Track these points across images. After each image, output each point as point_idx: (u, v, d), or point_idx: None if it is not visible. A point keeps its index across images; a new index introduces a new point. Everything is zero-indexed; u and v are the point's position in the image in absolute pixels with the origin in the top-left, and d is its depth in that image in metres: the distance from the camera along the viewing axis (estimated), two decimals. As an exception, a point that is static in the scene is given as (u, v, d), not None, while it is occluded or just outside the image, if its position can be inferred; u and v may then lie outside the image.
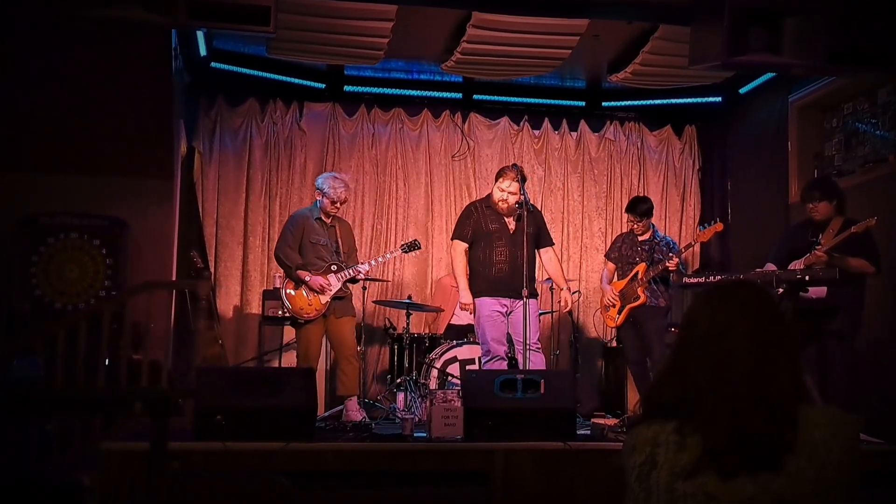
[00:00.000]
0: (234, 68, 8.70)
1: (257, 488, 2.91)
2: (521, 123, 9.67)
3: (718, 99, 9.42)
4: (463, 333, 8.05)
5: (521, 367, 6.36)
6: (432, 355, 7.69)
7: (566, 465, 4.95)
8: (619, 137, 9.83)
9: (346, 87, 9.32)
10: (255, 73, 8.82)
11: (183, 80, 8.22)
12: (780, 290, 5.99)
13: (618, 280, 7.38)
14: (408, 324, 7.90)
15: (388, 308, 8.82)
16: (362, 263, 7.20)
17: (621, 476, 1.97)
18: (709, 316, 1.95)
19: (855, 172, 7.68)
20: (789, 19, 5.55)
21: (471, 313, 6.90)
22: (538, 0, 6.88)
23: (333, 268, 6.98)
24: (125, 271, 7.46)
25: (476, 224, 6.67)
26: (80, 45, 6.51)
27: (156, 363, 6.63)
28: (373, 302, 8.59)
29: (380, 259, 7.89)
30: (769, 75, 8.45)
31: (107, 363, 6.20)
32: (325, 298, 6.89)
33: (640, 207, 7.36)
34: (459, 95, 9.54)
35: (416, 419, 6.11)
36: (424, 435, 5.37)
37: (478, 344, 7.60)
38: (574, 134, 9.77)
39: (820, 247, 6.02)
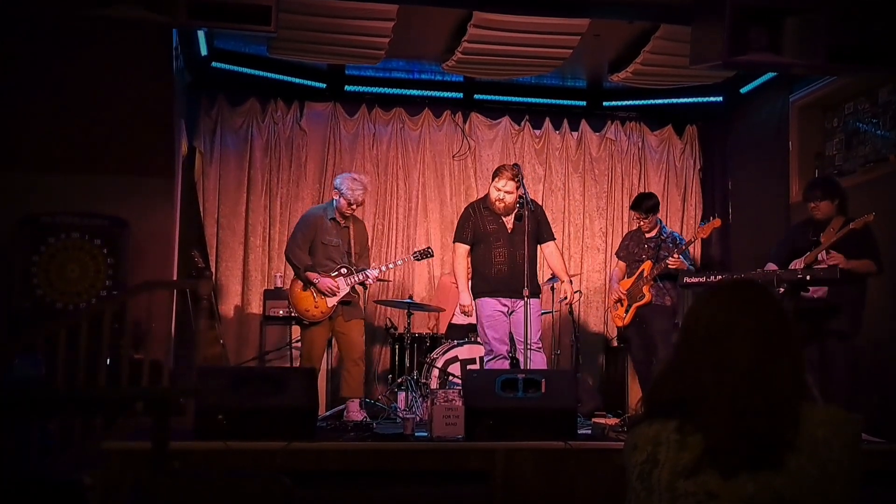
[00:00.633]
0: (235, 68, 8.70)
1: (258, 488, 2.91)
2: (522, 123, 9.67)
3: (719, 99, 9.41)
4: (464, 333, 8.05)
5: (522, 367, 6.36)
6: (433, 355, 7.69)
7: (567, 464, 4.96)
8: (619, 137, 9.83)
9: (347, 87, 9.31)
10: (256, 72, 8.82)
11: (184, 79, 8.22)
12: (781, 289, 5.99)
13: (626, 279, 7.40)
14: (409, 323, 7.89)
15: (389, 308, 8.82)
16: (372, 268, 7.18)
17: (622, 475, 1.97)
18: (710, 315, 1.96)
19: (856, 172, 7.68)
20: (790, 19, 5.55)
21: (468, 315, 6.90)
22: (539, 0, 6.88)
23: (343, 271, 6.97)
24: (126, 271, 7.46)
25: (475, 225, 6.68)
26: (80, 45, 6.51)
27: (157, 363, 6.63)
28: (374, 301, 8.59)
29: (390, 265, 7.83)
30: (770, 75, 8.44)
31: (108, 363, 6.21)
32: (332, 302, 6.89)
33: (644, 204, 7.38)
34: (460, 95, 9.54)
35: (418, 419, 6.11)
36: (425, 434, 5.38)
37: (479, 343, 7.61)
38: (575, 134, 9.77)
39: (831, 256, 5.97)
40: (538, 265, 7.02)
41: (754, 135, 9.03)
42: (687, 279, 6.63)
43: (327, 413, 7.38)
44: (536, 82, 9.23)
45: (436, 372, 7.51)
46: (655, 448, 1.87)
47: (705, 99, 9.42)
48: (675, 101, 9.46)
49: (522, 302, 6.41)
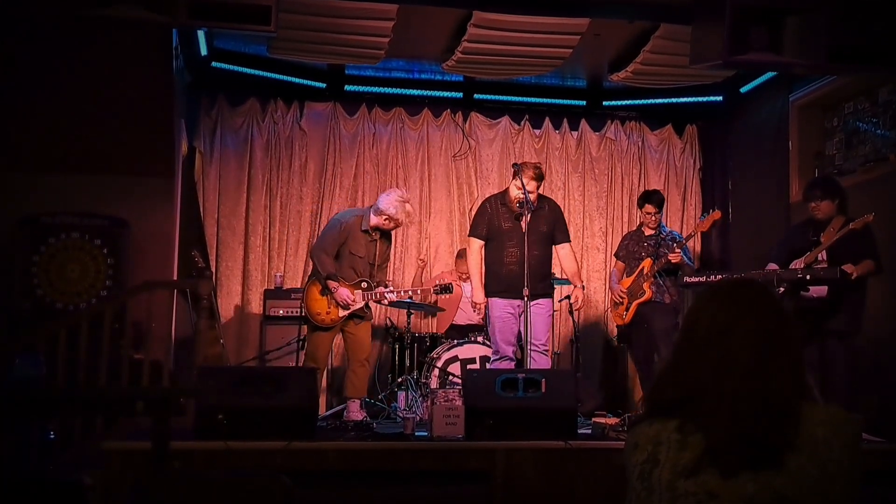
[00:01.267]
0: (235, 68, 8.70)
1: (259, 488, 2.91)
2: (522, 123, 9.67)
3: (719, 98, 9.41)
4: (464, 333, 8.05)
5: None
6: (433, 354, 7.69)
7: (567, 464, 4.96)
8: (619, 137, 9.83)
9: (347, 87, 9.31)
10: (256, 72, 8.83)
11: (184, 79, 8.23)
12: (781, 289, 6.00)
13: (626, 278, 7.40)
14: (408, 323, 7.89)
15: (389, 307, 8.82)
16: (389, 290, 7.13)
17: (622, 475, 1.97)
18: (711, 315, 1.96)
19: (855, 171, 7.68)
20: (790, 18, 5.55)
21: (478, 312, 6.88)
22: (539, 0, 6.88)
23: (364, 285, 6.94)
24: (126, 271, 7.47)
25: (490, 221, 6.63)
26: (80, 45, 6.51)
27: (157, 363, 6.62)
28: (373, 301, 8.58)
29: (409, 292, 7.56)
30: (770, 74, 8.45)
31: (108, 363, 6.21)
32: (343, 312, 6.88)
33: (656, 197, 7.46)
34: (460, 95, 9.54)
35: (418, 418, 6.11)
36: (426, 434, 5.38)
37: (478, 343, 7.63)
38: (575, 133, 9.77)
39: (847, 266, 5.94)
40: (552, 266, 6.96)
41: (754, 134, 9.03)
42: (687, 279, 6.64)
43: (327, 412, 7.38)
44: (536, 82, 9.23)
45: (436, 371, 7.51)
46: (656, 448, 1.87)
47: (705, 98, 9.42)
48: (675, 100, 9.46)
49: (534, 302, 6.42)
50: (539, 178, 6.56)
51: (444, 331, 8.47)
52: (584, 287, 6.92)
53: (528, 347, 6.35)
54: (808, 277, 5.98)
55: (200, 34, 7.84)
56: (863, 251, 6.02)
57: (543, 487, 4.90)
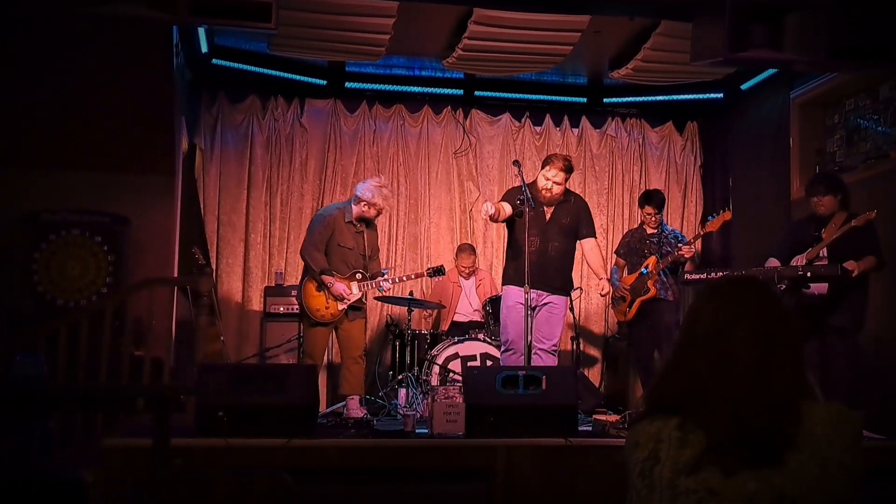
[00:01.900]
0: (236, 65, 8.70)
1: (259, 485, 2.91)
2: (523, 120, 9.67)
3: (720, 95, 9.41)
4: (465, 330, 8.05)
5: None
6: (434, 352, 7.69)
7: (568, 461, 4.96)
8: (620, 134, 9.83)
9: (348, 84, 9.32)
10: (257, 69, 8.83)
11: (184, 76, 8.22)
12: (782, 286, 6.00)
13: (627, 275, 7.40)
14: (409, 320, 7.89)
15: (389, 305, 8.82)
16: (385, 279, 7.14)
17: (623, 472, 1.97)
18: (711, 312, 1.96)
19: (856, 168, 7.67)
20: (790, 15, 5.53)
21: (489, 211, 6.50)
22: (540, -4, 6.88)
23: (358, 276, 6.94)
24: (127, 268, 7.47)
25: (519, 204, 6.47)
26: (81, 42, 6.51)
27: (157, 360, 6.63)
28: (374, 298, 8.58)
29: (403, 278, 7.78)
30: (771, 71, 8.45)
31: (108, 360, 6.21)
32: (342, 305, 6.88)
33: (657, 198, 7.43)
34: (461, 92, 9.54)
35: (418, 416, 6.11)
36: (426, 431, 5.38)
37: (479, 340, 7.62)
38: (575, 130, 9.77)
39: (849, 263, 5.92)
40: (574, 261, 6.93)
41: (755, 131, 9.03)
42: (688, 276, 6.65)
43: (327, 410, 7.38)
44: (537, 79, 9.23)
45: (436, 369, 7.51)
46: (657, 445, 1.87)
47: (706, 95, 9.43)
48: (675, 97, 9.46)
49: (548, 296, 6.44)
50: (568, 170, 6.51)
51: (445, 328, 8.47)
52: (609, 279, 6.88)
53: (530, 339, 6.31)
54: (809, 275, 5.98)
55: (201, 31, 7.84)
56: (864, 247, 6.02)
57: (544, 485, 4.90)
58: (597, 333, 9.54)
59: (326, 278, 6.83)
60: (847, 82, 7.67)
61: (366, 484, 4.84)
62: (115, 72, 6.83)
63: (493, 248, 9.51)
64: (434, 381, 7.41)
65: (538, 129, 9.71)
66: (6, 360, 5.83)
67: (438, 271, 7.59)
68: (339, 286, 6.83)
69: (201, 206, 8.86)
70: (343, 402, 7.11)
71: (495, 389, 5.23)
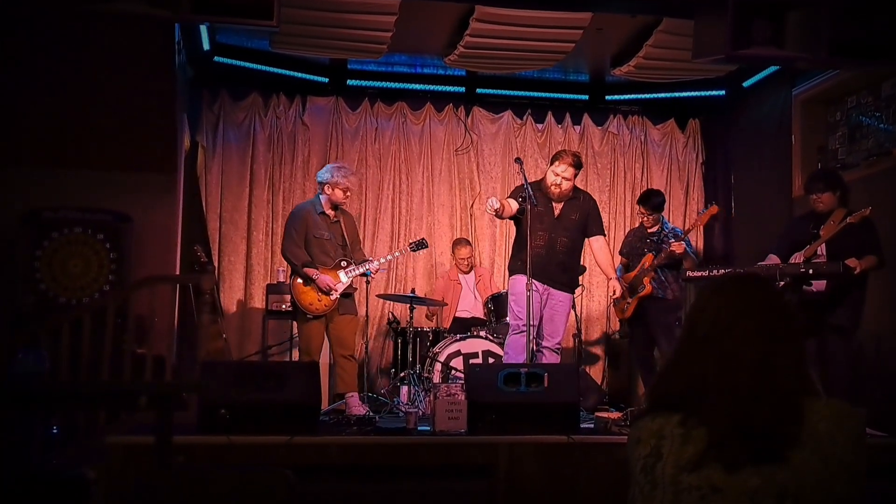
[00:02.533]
0: (238, 62, 8.71)
1: (261, 482, 2.91)
2: (525, 117, 9.67)
3: (722, 92, 9.41)
4: (467, 327, 8.05)
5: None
6: (436, 349, 7.69)
7: (570, 458, 4.96)
8: (622, 131, 9.83)
9: (349, 81, 9.32)
10: (259, 67, 8.83)
11: (186, 74, 8.23)
12: (783, 283, 5.99)
13: (627, 273, 7.41)
14: (411, 318, 7.89)
15: (391, 302, 8.82)
16: (370, 261, 7.13)
17: (624, 469, 1.97)
18: (714, 310, 1.96)
19: (859, 166, 7.66)
20: (792, 12, 5.53)
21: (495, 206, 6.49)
22: (541, -6, 6.88)
23: (343, 264, 6.93)
24: (129, 266, 7.47)
25: (522, 202, 6.46)
26: (83, 40, 6.51)
27: (160, 357, 6.63)
28: (376, 296, 8.58)
29: (388, 257, 7.81)
30: (772, 69, 8.44)
31: (111, 357, 6.22)
32: (334, 295, 6.86)
33: (652, 200, 7.39)
34: (462, 89, 9.54)
35: (420, 413, 6.11)
36: (428, 429, 5.38)
37: (481, 338, 7.63)
38: (577, 128, 9.77)
39: (851, 260, 5.90)
40: (581, 258, 6.95)
41: (757, 128, 9.02)
42: (690, 273, 6.64)
43: (329, 407, 7.38)
44: (539, 76, 9.24)
45: (438, 366, 7.51)
46: (659, 442, 1.87)
47: (708, 93, 9.43)
48: (677, 94, 9.46)
49: (553, 292, 6.46)
50: (577, 165, 6.54)
51: (447, 325, 8.48)
52: (618, 278, 6.90)
53: (528, 336, 6.31)
54: (810, 272, 5.97)
55: (203, 29, 7.84)
56: (864, 245, 6.01)
57: (546, 482, 4.90)
58: (599, 331, 9.54)
59: (310, 271, 6.80)
60: (849, 79, 7.66)
61: (368, 481, 4.84)
62: (117, 70, 6.83)
63: (494, 245, 9.52)
64: (436, 378, 7.41)
65: (540, 126, 9.71)
66: (9, 358, 5.84)
67: (420, 244, 7.56)
68: (324, 278, 6.79)
69: (203, 203, 8.87)
70: (343, 400, 7.10)
71: (497, 387, 5.23)
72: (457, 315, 8.55)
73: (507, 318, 7.02)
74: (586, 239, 6.73)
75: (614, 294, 6.88)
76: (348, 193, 7.02)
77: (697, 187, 9.87)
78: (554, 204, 6.56)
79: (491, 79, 9.33)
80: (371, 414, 6.68)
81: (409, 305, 7.98)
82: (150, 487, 3.02)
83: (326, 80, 9.27)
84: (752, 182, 9.15)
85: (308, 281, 6.84)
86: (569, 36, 7.51)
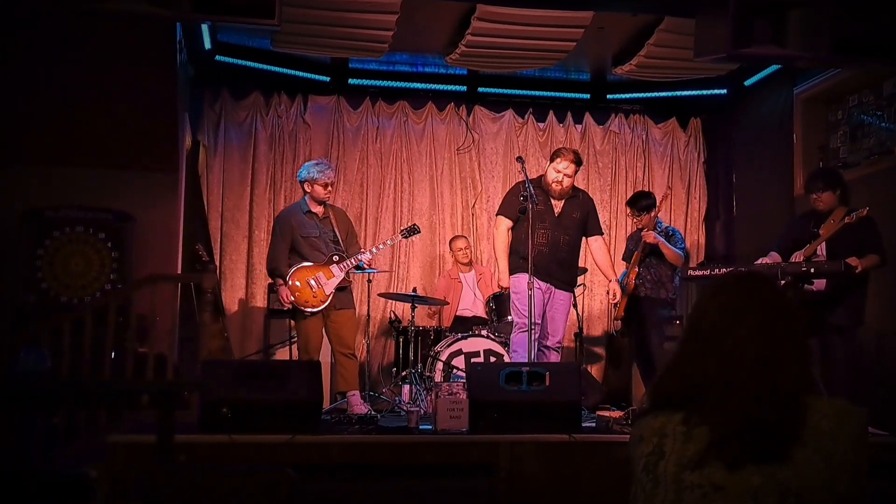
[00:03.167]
0: (239, 61, 8.71)
1: (263, 481, 2.91)
2: (526, 116, 9.67)
3: (723, 91, 9.40)
4: (468, 326, 8.05)
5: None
6: (437, 348, 7.69)
7: (571, 457, 4.96)
8: (623, 130, 9.82)
9: (351, 80, 9.32)
10: (260, 66, 8.83)
11: (187, 73, 8.23)
12: (783, 281, 5.99)
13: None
14: (413, 316, 7.89)
15: (393, 301, 8.82)
16: (363, 252, 7.11)
17: (626, 468, 1.97)
18: (716, 308, 1.96)
19: (860, 164, 7.66)
20: (794, 11, 5.52)
21: (504, 290, 6.72)
22: (542, -8, 6.88)
23: (335, 258, 6.92)
24: (130, 264, 7.48)
25: (523, 201, 6.46)
26: (84, 39, 6.51)
27: (161, 356, 6.64)
28: (378, 295, 8.58)
29: (381, 246, 7.76)
30: (774, 67, 8.43)
31: (112, 356, 6.22)
32: (328, 289, 6.84)
33: (640, 203, 7.28)
34: (464, 88, 9.54)
35: (422, 412, 6.11)
36: (430, 427, 5.38)
37: (482, 337, 7.62)
38: (579, 127, 9.77)
39: (852, 259, 5.89)
40: (581, 257, 6.95)
41: (758, 127, 9.02)
42: (691, 272, 6.63)
43: (330, 406, 7.38)
44: (540, 75, 9.24)
45: (440, 365, 7.51)
46: (661, 440, 1.88)
47: (709, 91, 9.42)
48: (679, 93, 9.46)
49: (555, 290, 6.46)
50: (578, 162, 6.55)
51: (448, 324, 8.47)
52: (618, 280, 6.89)
53: (530, 334, 6.30)
54: (812, 270, 5.96)
55: (204, 28, 7.84)
56: (865, 244, 6.00)
57: (547, 481, 4.91)
58: (600, 330, 9.54)
59: (278, 281, 6.80)
60: (850, 78, 7.66)
61: (369, 480, 4.84)
62: (118, 69, 6.83)
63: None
64: (438, 377, 7.41)
65: (541, 125, 9.71)
66: (10, 357, 5.85)
67: (412, 230, 7.50)
68: (282, 290, 6.77)
69: (205, 202, 8.87)
70: (344, 399, 7.10)
71: (499, 386, 5.22)
72: (458, 314, 8.55)
73: (510, 317, 7.02)
74: (586, 239, 6.73)
75: (613, 298, 6.87)
76: (329, 188, 6.97)
77: (699, 186, 9.86)
78: (554, 202, 6.56)
79: (492, 78, 9.33)
80: (373, 413, 6.68)
81: (410, 304, 7.97)
82: (151, 486, 3.02)
83: (328, 79, 9.28)
84: (754, 181, 9.15)
85: (304, 282, 6.81)
86: (570, 35, 7.51)
